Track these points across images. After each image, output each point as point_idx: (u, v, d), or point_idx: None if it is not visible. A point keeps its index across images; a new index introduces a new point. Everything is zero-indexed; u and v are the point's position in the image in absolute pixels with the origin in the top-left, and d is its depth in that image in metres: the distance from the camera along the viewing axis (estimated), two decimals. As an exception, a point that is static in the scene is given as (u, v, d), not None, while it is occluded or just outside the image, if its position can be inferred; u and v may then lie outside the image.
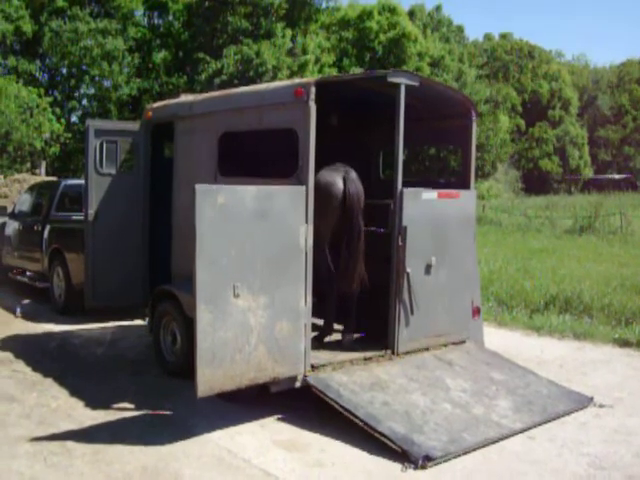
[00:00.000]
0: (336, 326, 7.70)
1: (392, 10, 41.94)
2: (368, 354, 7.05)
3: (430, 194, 7.37)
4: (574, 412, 6.66)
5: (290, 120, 6.60)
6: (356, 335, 7.40)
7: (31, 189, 13.40)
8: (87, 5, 33.49)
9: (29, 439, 5.78)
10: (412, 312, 7.18)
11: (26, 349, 8.70)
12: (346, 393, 6.18)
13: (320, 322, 7.45)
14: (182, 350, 7.39)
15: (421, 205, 7.23)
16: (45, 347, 8.88)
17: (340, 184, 7.05)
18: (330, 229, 7.07)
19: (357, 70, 35.74)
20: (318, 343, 7.06)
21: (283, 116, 6.72)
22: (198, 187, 5.59)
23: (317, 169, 6.65)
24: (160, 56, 35.93)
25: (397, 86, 7.04)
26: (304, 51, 33.73)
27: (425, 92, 7.61)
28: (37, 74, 34.02)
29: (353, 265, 7.07)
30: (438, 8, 60.09)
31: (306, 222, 6.32)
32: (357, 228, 7.08)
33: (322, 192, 6.85)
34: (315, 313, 6.74)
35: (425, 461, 5.34)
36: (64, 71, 34.24)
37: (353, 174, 7.15)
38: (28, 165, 29.56)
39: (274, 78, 29.64)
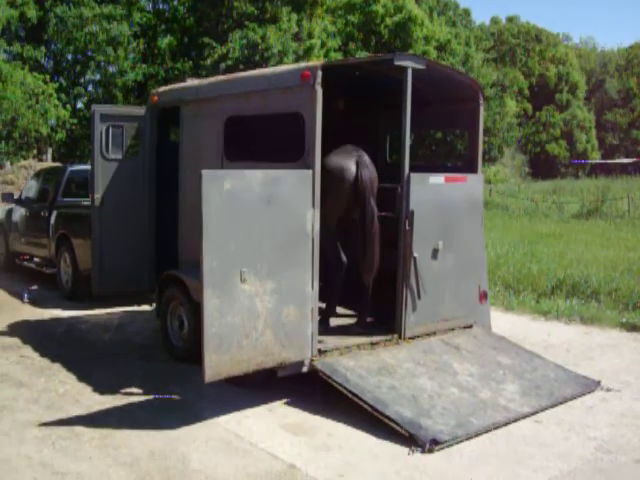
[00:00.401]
0: (344, 311, 7.72)
1: (398, -6, 41.67)
2: (375, 339, 7.05)
3: (437, 178, 7.34)
4: (581, 396, 6.66)
5: (296, 104, 6.56)
6: (368, 319, 7.39)
7: (37, 175, 13.42)
8: (92, -10, 33.37)
9: (37, 424, 5.81)
10: (419, 296, 7.17)
11: (34, 334, 8.74)
12: (353, 377, 6.19)
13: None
14: (189, 335, 7.41)
15: (428, 189, 7.20)
16: (53, 332, 8.92)
17: (353, 169, 6.94)
18: (340, 214, 7.01)
19: (363, 54, 35.55)
20: (323, 327, 7.05)
21: (289, 100, 6.69)
22: (205, 172, 5.57)
23: (324, 153, 6.61)
24: (165, 41, 35.81)
25: (404, 69, 6.98)
26: (310, 35, 33.53)
27: (432, 75, 7.56)
28: (42, 60, 33.97)
29: (370, 252, 6.99)
30: (444, -9, 59.72)
31: (313, 207, 6.30)
32: (370, 214, 6.98)
33: (334, 177, 6.79)
34: (322, 298, 6.73)
35: (432, 445, 5.35)
36: (69, 57, 34.22)
37: (366, 158, 7.05)
38: (34, 151, 29.64)
39: (280, 63, 29.51)
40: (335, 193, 6.80)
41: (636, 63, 75.97)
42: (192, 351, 7.14)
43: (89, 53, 32.70)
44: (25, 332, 8.83)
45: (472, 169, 8.00)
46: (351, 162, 6.96)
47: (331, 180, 6.70)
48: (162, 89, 9.05)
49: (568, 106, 67.89)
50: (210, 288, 5.60)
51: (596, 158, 67.18)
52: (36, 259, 12.39)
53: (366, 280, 7.13)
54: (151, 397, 6.51)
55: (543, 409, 6.25)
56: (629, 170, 53.46)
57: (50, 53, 34.53)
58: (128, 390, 6.69)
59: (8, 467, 5.02)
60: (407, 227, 7.01)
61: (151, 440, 5.50)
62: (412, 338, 7.23)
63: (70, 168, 12.23)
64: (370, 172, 7.03)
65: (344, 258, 7.10)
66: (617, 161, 63.49)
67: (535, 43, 70.56)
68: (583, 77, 72.44)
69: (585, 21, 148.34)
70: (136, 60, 34.11)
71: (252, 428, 5.78)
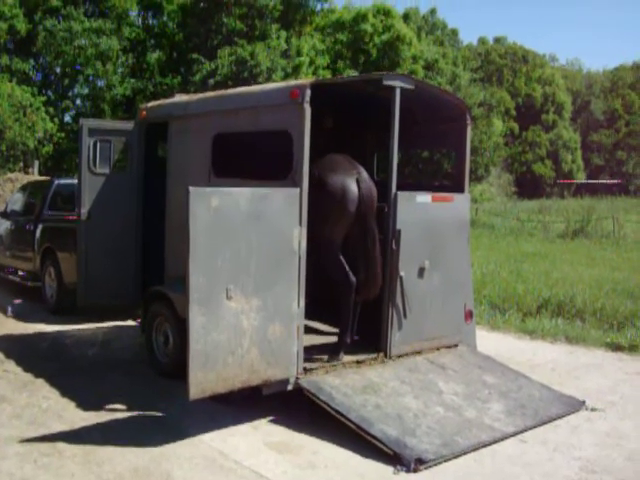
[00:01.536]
0: (329, 328, 7.71)
1: (387, 13, 41.91)
2: (361, 357, 7.04)
3: (424, 197, 7.37)
4: (566, 416, 6.68)
5: (285, 122, 6.57)
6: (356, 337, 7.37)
7: (23, 188, 13.34)
8: (81, 4, 33.36)
9: (19, 440, 5.75)
10: (405, 315, 7.18)
11: (17, 349, 8.66)
12: (338, 396, 6.17)
13: (312, 325, 7.42)
14: (175, 351, 7.37)
15: (415, 208, 7.22)
16: (37, 347, 8.85)
17: (354, 189, 6.78)
18: (343, 234, 6.90)
19: (351, 72, 35.72)
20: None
21: (278, 118, 6.70)
22: (192, 189, 5.56)
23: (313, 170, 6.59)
24: (154, 56, 35.83)
25: (392, 89, 7.03)
26: (298, 53, 33.66)
27: (420, 95, 7.60)
28: (31, 73, 33.85)
29: (373, 273, 6.94)
30: (432, 11, 60.14)
31: (300, 224, 6.30)
32: (372, 234, 6.92)
33: (335, 197, 6.69)
34: (308, 315, 6.72)
35: (417, 464, 5.34)
36: (58, 70, 34.07)
37: (365, 174, 6.92)
38: (21, 164, 29.47)
39: (268, 79, 29.59)
40: (337, 215, 6.73)
41: (621, 85, 76.77)
42: (177, 367, 7.09)
43: (78, 67, 32.60)
44: (8, 346, 8.75)
45: (459, 188, 8.03)
46: (352, 181, 6.80)
47: (332, 201, 6.64)
48: (150, 104, 9.05)
49: (554, 126, 68.43)
50: (196, 305, 5.58)
51: (581, 178, 67.66)
52: (21, 272, 12.30)
53: (362, 299, 7.09)
54: (135, 413, 6.46)
55: (528, 428, 6.25)
56: (614, 190, 53.89)
57: (39, 66, 34.41)
58: (112, 406, 6.64)
59: (-11, 484, 4.97)
60: (394, 246, 7.02)
61: (135, 457, 5.45)
62: (398, 357, 7.23)
63: (57, 181, 12.17)
64: (371, 191, 6.91)
65: (353, 277, 6.91)
66: (602, 181, 63.96)
67: (522, 64, 71.14)
68: (569, 98, 73.04)
69: (571, 43, 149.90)
70: (125, 75, 34.08)
71: (237, 446, 5.75)
